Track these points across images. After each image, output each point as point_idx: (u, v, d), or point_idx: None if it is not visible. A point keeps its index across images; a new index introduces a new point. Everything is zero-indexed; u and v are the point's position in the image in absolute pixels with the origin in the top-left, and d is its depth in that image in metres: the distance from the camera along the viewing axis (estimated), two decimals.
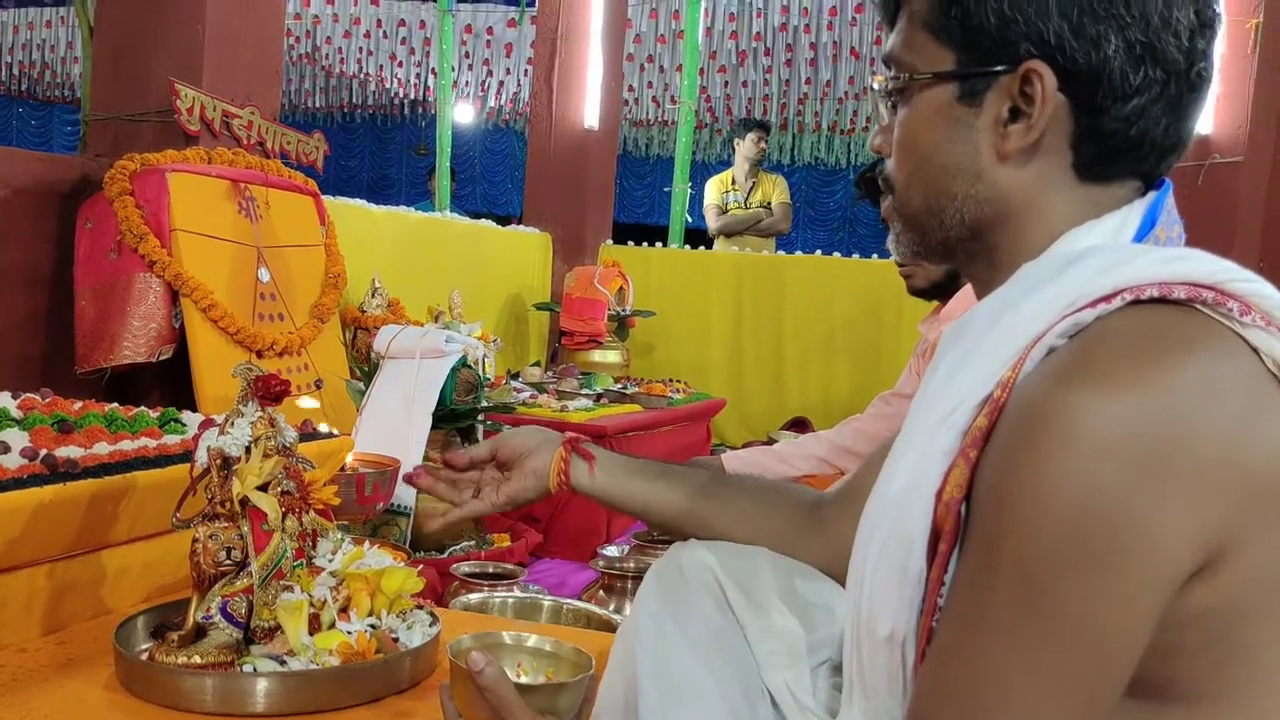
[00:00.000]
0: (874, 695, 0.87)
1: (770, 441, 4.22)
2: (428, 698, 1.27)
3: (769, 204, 5.98)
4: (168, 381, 2.68)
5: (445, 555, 2.44)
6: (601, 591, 2.08)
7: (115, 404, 1.96)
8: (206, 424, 1.37)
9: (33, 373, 2.60)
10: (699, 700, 1.09)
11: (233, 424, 1.32)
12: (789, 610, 1.18)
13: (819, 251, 5.04)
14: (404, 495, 2.40)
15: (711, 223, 6.03)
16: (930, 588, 0.79)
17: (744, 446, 4.23)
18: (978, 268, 0.90)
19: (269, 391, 1.34)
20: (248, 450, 1.31)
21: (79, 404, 1.93)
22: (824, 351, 4.74)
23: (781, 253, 5.29)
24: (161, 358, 2.59)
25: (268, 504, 1.29)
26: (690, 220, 6.26)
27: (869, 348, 4.65)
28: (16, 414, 1.78)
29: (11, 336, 2.59)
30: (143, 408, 1.91)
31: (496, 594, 1.95)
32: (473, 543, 2.53)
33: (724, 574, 1.19)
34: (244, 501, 1.29)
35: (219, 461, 1.30)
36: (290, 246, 2.95)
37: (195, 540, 1.28)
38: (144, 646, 1.33)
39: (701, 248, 5.37)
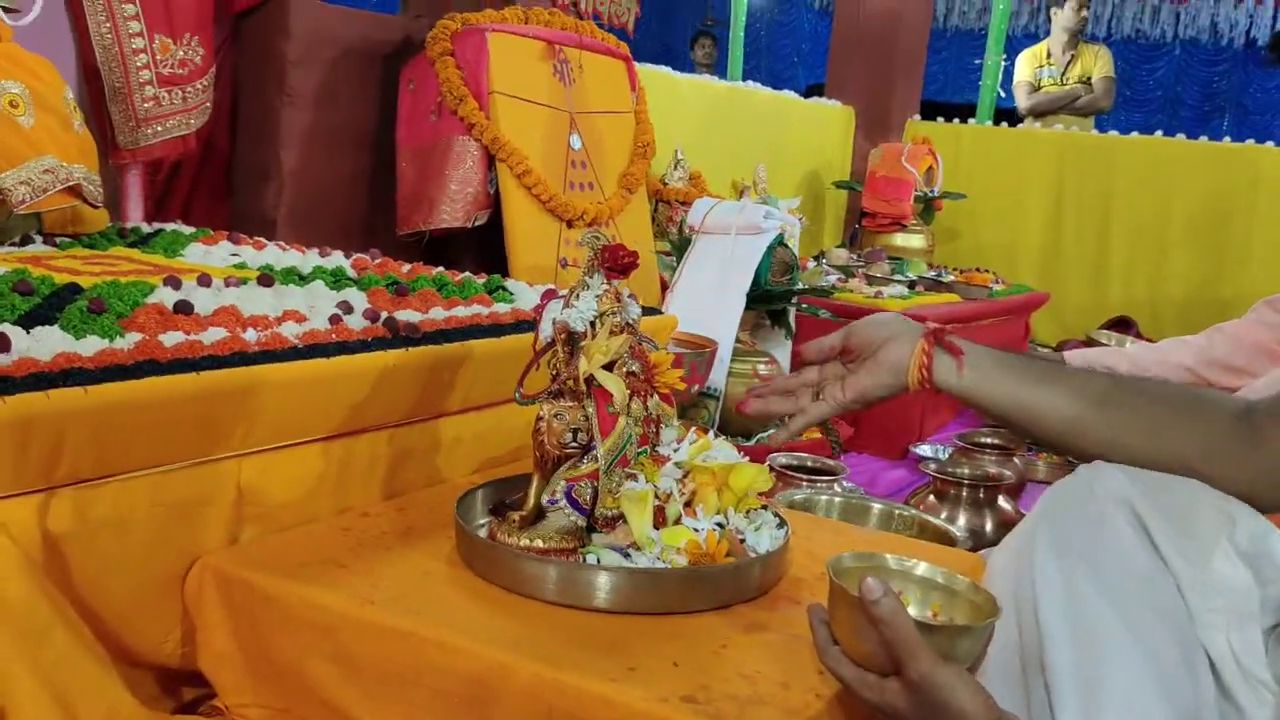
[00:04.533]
0: None
1: (1089, 341, 3.87)
2: (779, 609, 1.15)
3: (1088, 79, 5.41)
4: (480, 247, 2.67)
5: (753, 443, 2.34)
6: (932, 497, 1.91)
7: (441, 268, 1.93)
8: (549, 295, 1.28)
9: (356, 232, 2.65)
10: (1126, 659, 0.91)
11: (578, 296, 1.22)
12: (1235, 557, 0.97)
13: (1160, 133, 4.50)
14: (715, 378, 2.30)
15: (1021, 101, 5.52)
16: None
17: (1059, 345, 3.91)
18: None
19: (617, 263, 1.22)
20: (592, 325, 1.21)
21: (407, 266, 1.92)
22: (1156, 244, 4.26)
23: (1114, 132, 4.76)
24: (476, 223, 2.58)
25: (614, 384, 1.19)
26: (1002, 95, 5.78)
27: (1212, 242, 4.14)
28: (352, 273, 1.78)
29: (337, 196, 2.64)
30: (468, 274, 1.87)
31: (820, 492, 1.82)
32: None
33: (1148, 507, 0.99)
34: (589, 380, 1.20)
35: (564, 336, 1.21)
36: (601, 112, 2.86)
37: (539, 419, 1.20)
38: (482, 522, 1.28)
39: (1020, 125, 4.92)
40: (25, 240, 1.76)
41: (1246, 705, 0.91)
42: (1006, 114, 5.69)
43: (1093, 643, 0.91)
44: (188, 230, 2.07)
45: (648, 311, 1.90)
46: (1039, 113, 5.43)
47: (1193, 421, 1.05)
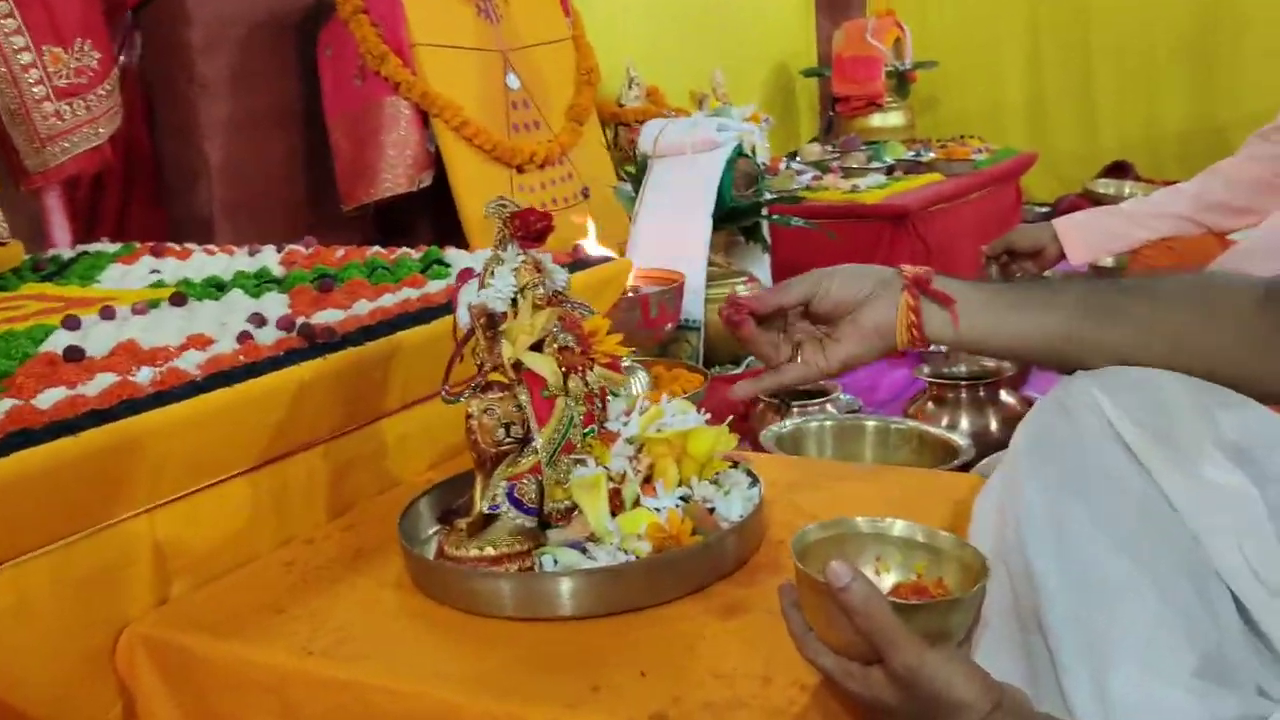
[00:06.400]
0: None
1: (1087, 194, 3.71)
2: (759, 581, 1.05)
3: None
4: (433, 209, 2.55)
5: (743, 369, 2.23)
6: (930, 404, 1.80)
7: (377, 248, 1.82)
8: (464, 275, 1.17)
9: (300, 216, 2.53)
10: (1134, 604, 0.80)
11: (493, 273, 1.10)
12: (1225, 458, 0.85)
13: None
14: (691, 309, 2.18)
15: None
16: None
17: (1056, 203, 3.76)
18: None
19: (529, 230, 1.10)
20: (514, 303, 1.09)
21: (341, 251, 1.80)
22: (1144, 80, 4.07)
23: None
24: (421, 185, 2.46)
25: (545, 366, 1.08)
26: None
27: (1202, 71, 3.94)
28: (278, 271, 1.67)
29: (274, 181, 2.51)
30: (405, 250, 1.75)
31: (810, 420, 1.71)
32: None
33: (1119, 414, 0.86)
34: (517, 366, 1.08)
35: (483, 320, 1.09)
36: (536, 45, 2.71)
37: (469, 417, 1.08)
38: (432, 531, 1.18)
39: None
40: None
41: (1271, 628, 0.80)
42: None
43: (1092, 588, 0.80)
44: (111, 249, 1.95)
45: (600, 260, 1.78)
46: None
47: (1210, 319, 0.91)
